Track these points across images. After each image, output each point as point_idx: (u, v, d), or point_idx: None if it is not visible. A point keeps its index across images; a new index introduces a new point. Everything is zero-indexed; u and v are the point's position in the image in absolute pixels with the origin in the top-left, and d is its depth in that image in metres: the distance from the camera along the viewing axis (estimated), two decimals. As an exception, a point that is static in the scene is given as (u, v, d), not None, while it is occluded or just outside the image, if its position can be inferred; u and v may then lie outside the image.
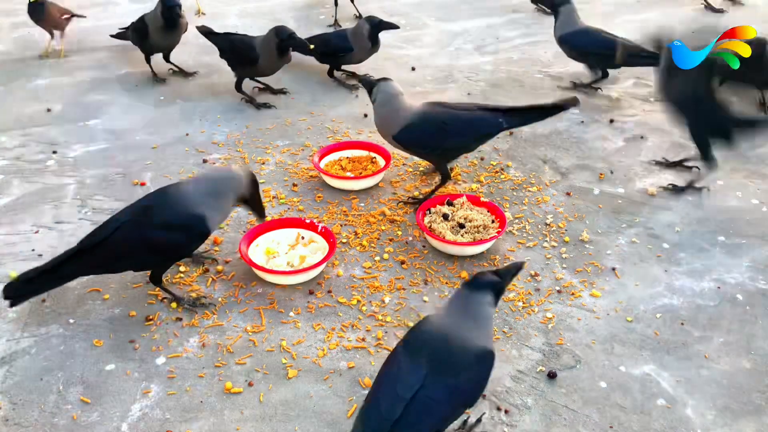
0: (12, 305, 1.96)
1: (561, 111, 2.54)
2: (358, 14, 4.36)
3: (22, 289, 1.94)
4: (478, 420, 1.72)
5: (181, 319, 2.05)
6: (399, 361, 1.50)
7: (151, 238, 1.94)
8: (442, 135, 2.40)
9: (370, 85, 2.54)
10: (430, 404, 1.42)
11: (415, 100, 2.52)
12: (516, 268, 1.66)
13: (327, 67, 3.54)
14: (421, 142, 2.45)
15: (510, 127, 2.50)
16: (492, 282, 1.58)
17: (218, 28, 3.49)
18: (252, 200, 2.12)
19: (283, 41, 3.06)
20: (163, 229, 1.95)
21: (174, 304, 2.08)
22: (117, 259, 1.96)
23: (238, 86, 3.30)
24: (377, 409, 1.43)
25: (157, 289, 2.13)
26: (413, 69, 3.70)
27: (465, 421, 1.72)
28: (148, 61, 3.51)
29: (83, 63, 3.77)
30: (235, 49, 3.25)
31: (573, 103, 2.48)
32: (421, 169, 2.79)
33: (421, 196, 2.60)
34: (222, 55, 3.36)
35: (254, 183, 2.10)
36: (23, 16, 3.75)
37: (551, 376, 1.88)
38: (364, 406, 1.49)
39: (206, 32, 3.43)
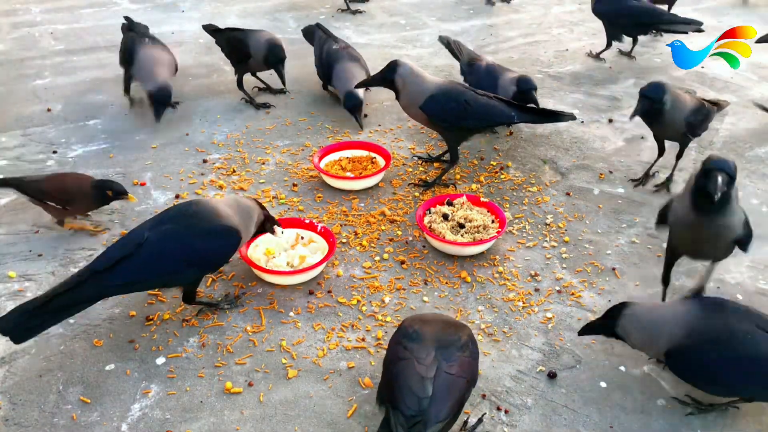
0: (16, 342, 1.77)
1: (558, 121, 2.73)
2: (347, 6, 4.48)
3: (23, 323, 1.75)
4: (479, 420, 1.72)
5: (187, 320, 2.04)
6: (407, 349, 1.57)
7: (192, 247, 1.89)
8: (463, 113, 2.55)
9: (389, 73, 2.62)
10: (452, 380, 1.52)
11: (435, 76, 2.67)
12: None
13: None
14: (444, 115, 2.56)
15: (519, 122, 2.69)
16: None
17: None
18: (267, 219, 2.14)
19: (267, 58, 3.09)
20: (204, 237, 1.92)
21: (167, 315, 2.06)
22: (150, 274, 1.87)
23: (239, 84, 3.31)
24: (409, 391, 1.49)
25: (157, 288, 2.13)
26: (413, 69, 3.70)
27: (465, 422, 1.72)
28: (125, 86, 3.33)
29: (83, 63, 3.77)
30: (230, 43, 3.26)
31: (570, 117, 2.72)
32: (421, 169, 2.80)
33: (429, 180, 2.69)
34: (223, 51, 3.38)
35: (262, 206, 2.14)
36: (23, 15, 3.76)
37: (551, 376, 1.88)
38: (387, 398, 1.53)
39: (212, 30, 3.42)
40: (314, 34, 3.47)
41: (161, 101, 2.97)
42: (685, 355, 1.64)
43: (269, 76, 3.49)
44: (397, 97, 2.64)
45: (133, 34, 3.22)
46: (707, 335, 1.64)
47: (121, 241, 1.93)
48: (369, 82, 2.74)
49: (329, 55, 3.25)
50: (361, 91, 3.06)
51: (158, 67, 3.04)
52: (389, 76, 2.60)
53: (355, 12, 4.49)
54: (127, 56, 3.15)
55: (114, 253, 1.85)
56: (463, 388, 1.54)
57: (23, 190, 2.35)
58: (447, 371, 1.52)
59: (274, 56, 3.08)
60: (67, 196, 2.32)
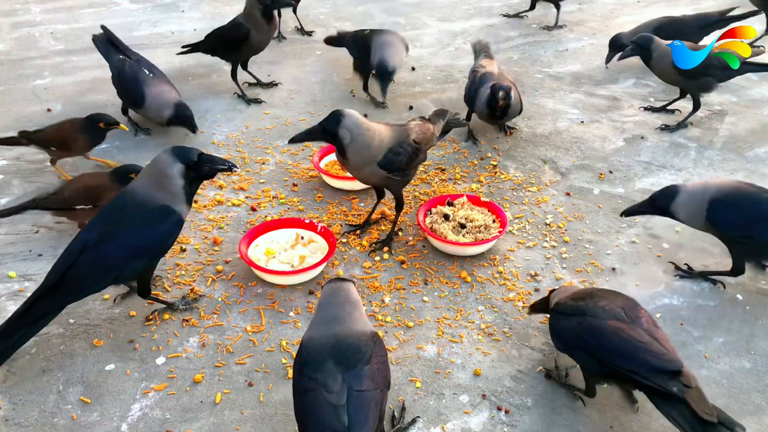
0: None
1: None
2: (299, 27, 4.16)
3: None
4: (413, 420, 1.74)
5: (187, 320, 2.04)
6: (312, 379, 1.49)
7: (131, 243, 1.85)
8: (416, 150, 2.29)
9: (332, 123, 2.15)
10: (366, 396, 1.47)
11: (375, 124, 2.27)
12: None
13: (336, 66, 3.51)
14: (405, 162, 2.27)
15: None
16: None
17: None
18: (202, 159, 1.92)
19: (267, 6, 3.07)
20: (142, 227, 1.87)
21: (166, 315, 2.06)
22: (99, 277, 1.85)
23: (234, 75, 3.32)
24: (323, 427, 1.42)
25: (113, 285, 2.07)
26: (413, 69, 3.70)
27: (392, 417, 1.74)
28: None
29: (83, 63, 3.76)
30: (223, 36, 3.24)
31: (463, 122, 2.64)
32: (421, 169, 2.79)
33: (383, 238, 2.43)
34: (214, 53, 3.35)
35: (189, 157, 1.91)
36: (23, 15, 3.74)
37: (551, 376, 1.88)
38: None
39: (188, 49, 3.39)
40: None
41: (185, 114, 2.90)
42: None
43: (258, 70, 3.47)
44: (341, 154, 2.20)
45: (125, 59, 3.05)
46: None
47: (65, 251, 1.88)
48: (305, 137, 2.24)
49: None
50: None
51: (169, 96, 2.93)
52: (332, 129, 2.14)
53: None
54: (133, 96, 2.95)
55: (60, 266, 1.83)
56: (380, 398, 1.49)
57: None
58: (358, 390, 1.46)
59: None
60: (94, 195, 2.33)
